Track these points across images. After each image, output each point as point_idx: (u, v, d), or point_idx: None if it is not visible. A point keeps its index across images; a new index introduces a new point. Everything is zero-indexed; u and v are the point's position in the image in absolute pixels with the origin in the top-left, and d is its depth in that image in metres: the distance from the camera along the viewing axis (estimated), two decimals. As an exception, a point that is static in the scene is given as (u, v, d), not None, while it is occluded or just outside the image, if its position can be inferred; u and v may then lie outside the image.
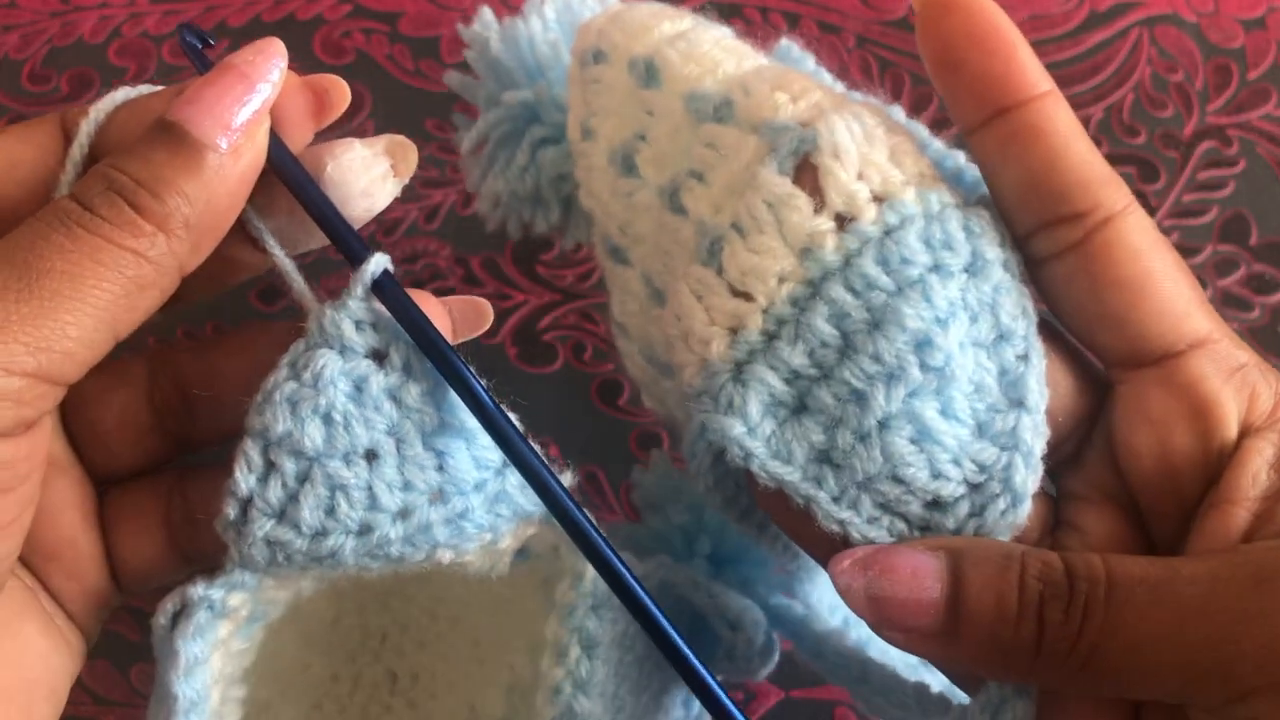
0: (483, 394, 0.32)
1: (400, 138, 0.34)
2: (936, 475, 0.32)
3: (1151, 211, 0.52)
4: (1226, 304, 0.52)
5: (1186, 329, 0.32)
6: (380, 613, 0.45)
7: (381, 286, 0.32)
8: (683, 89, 0.36)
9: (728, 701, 0.33)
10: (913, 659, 0.43)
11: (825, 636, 0.42)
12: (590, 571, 0.36)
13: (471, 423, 0.33)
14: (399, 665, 0.45)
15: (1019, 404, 0.33)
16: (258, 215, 0.33)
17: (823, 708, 0.52)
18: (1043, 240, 0.33)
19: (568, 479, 0.34)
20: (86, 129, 0.33)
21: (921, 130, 0.38)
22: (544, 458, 0.33)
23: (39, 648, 0.34)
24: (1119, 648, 0.30)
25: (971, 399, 0.32)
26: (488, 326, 0.35)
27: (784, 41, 0.43)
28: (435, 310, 0.34)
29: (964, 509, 0.33)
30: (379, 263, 0.32)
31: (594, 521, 0.33)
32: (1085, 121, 0.51)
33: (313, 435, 0.32)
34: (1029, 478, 0.33)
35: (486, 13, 0.45)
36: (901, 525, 0.33)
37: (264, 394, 0.32)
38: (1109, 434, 0.34)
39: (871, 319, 0.32)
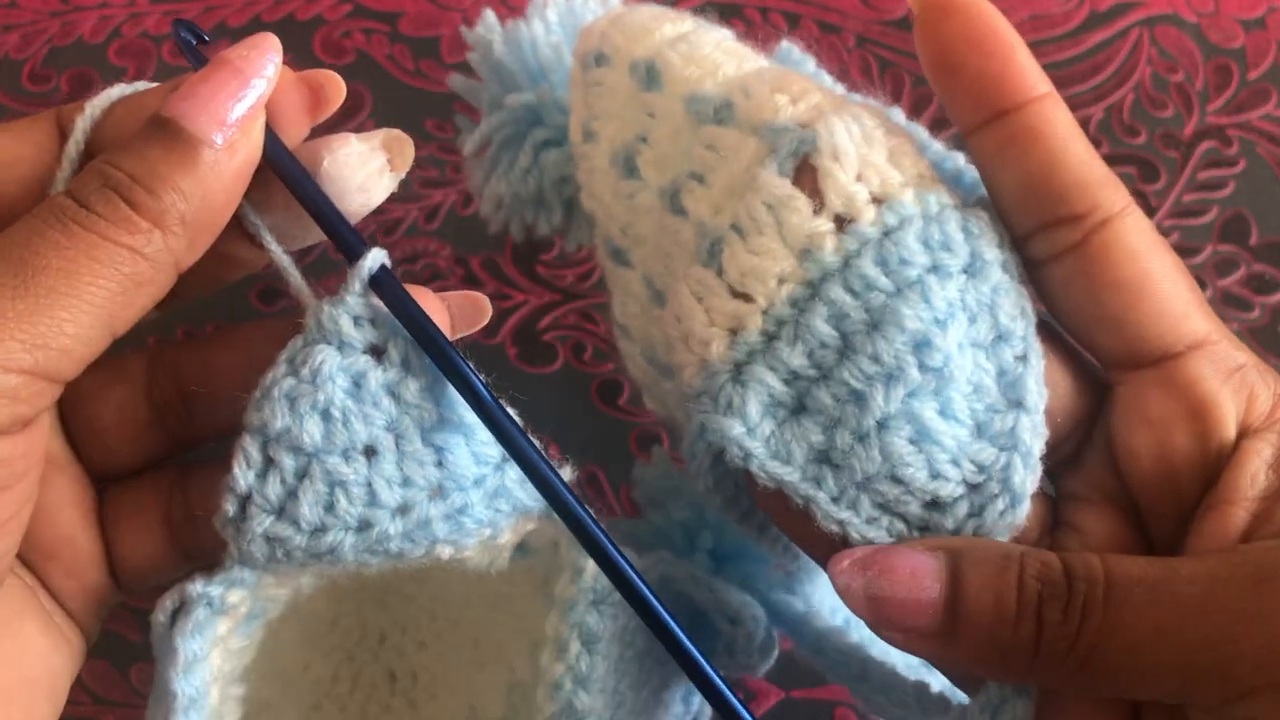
0: (481, 389, 0.32)
1: (397, 132, 0.34)
2: (935, 475, 0.32)
3: (1151, 211, 0.52)
4: (1226, 304, 0.52)
5: (1185, 330, 0.32)
6: (380, 612, 0.45)
7: (379, 281, 0.32)
8: (683, 91, 0.36)
9: (729, 693, 0.33)
10: (913, 659, 0.43)
11: (825, 633, 0.42)
12: (590, 567, 0.36)
13: (470, 418, 0.33)
14: (399, 665, 0.45)
15: (1018, 404, 0.33)
16: (254, 211, 0.33)
17: (823, 708, 0.52)
18: (1041, 242, 0.33)
19: (567, 474, 0.34)
20: (82, 125, 0.33)
21: (921, 132, 0.38)
22: (543, 452, 0.33)
23: (39, 646, 0.34)
24: (1118, 648, 0.30)
25: (970, 399, 0.32)
26: (486, 321, 0.35)
27: (784, 44, 0.43)
28: (433, 305, 0.34)
29: (963, 509, 0.33)
30: (376, 258, 0.32)
31: (594, 515, 0.33)
32: (1085, 121, 0.51)
33: (311, 431, 0.32)
34: (1027, 478, 0.33)
35: (489, 16, 0.46)
36: (900, 525, 0.33)
37: (262, 390, 0.32)
38: (1108, 435, 0.34)
39: (870, 320, 0.32)
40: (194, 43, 0.34)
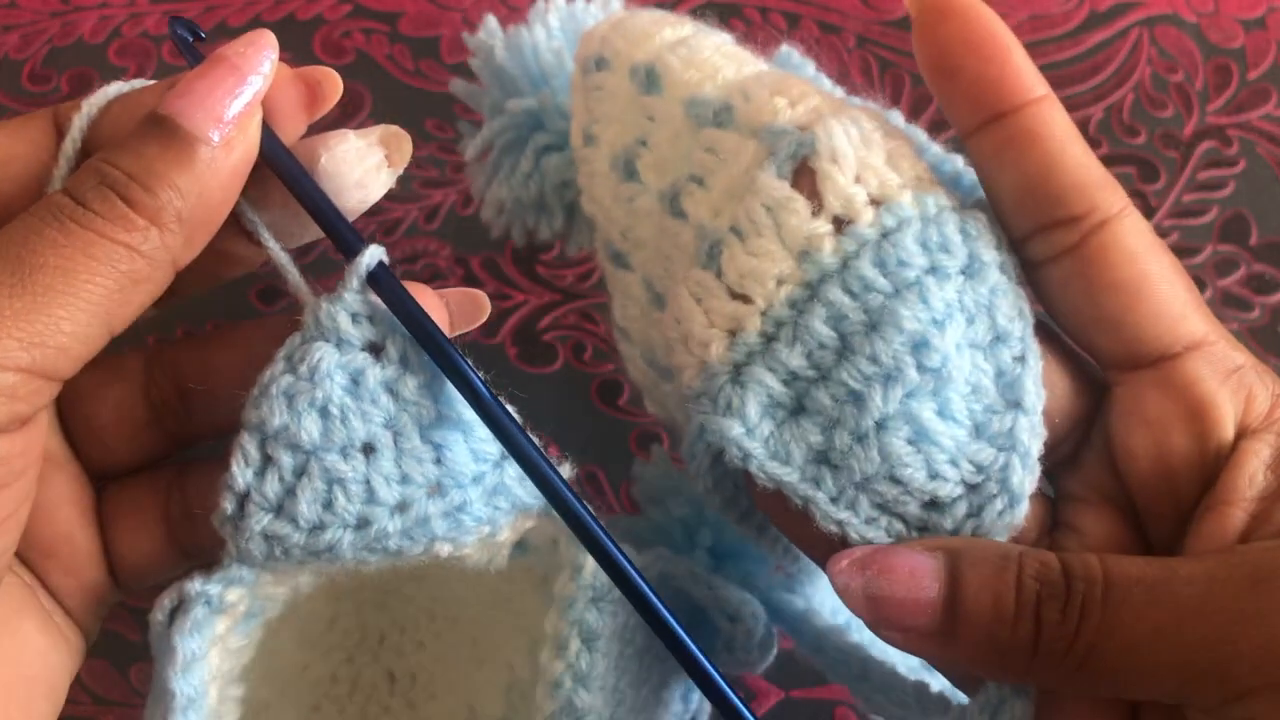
0: (480, 386, 0.32)
1: (394, 128, 0.34)
2: (934, 476, 0.32)
3: (1151, 212, 0.52)
4: (1226, 304, 0.52)
5: (1183, 331, 0.32)
6: (379, 613, 0.45)
7: (377, 279, 0.32)
8: (683, 95, 0.37)
9: (728, 691, 0.33)
10: (913, 659, 0.43)
11: (825, 632, 0.42)
12: (589, 564, 0.36)
13: (469, 415, 0.33)
14: (398, 666, 0.45)
15: (1016, 405, 0.33)
16: (252, 208, 0.33)
17: (823, 707, 0.52)
18: (1039, 244, 0.33)
19: (566, 471, 0.34)
20: (79, 123, 0.33)
21: (919, 135, 0.38)
22: (542, 449, 0.33)
23: (37, 645, 0.34)
24: (1116, 648, 0.30)
25: (968, 400, 0.32)
26: (484, 319, 0.35)
27: (784, 48, 0.43)
28: (432, 302, 0.34)
29: (961, 509, 0.33)
30: (374, 254, 0.32)
31: (592, 512, 0.33)
32: (1085, 121, 0.51)
33: (309, 429, 0.32)
34: (1026, 478, 0.33)
35: (491, 21, 0.46)
36: (899, 526, 0.33)
37: (260, 388, 0.32)
38: (1106, 435, 0.34)
39: (869, 320, 0.32)
40: (190, 40, 0.34)
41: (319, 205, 0.32)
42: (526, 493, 0.35)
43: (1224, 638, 0.29)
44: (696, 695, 0.44)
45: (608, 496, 0.52)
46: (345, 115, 0.51)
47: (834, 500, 0.33)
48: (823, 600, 0.44)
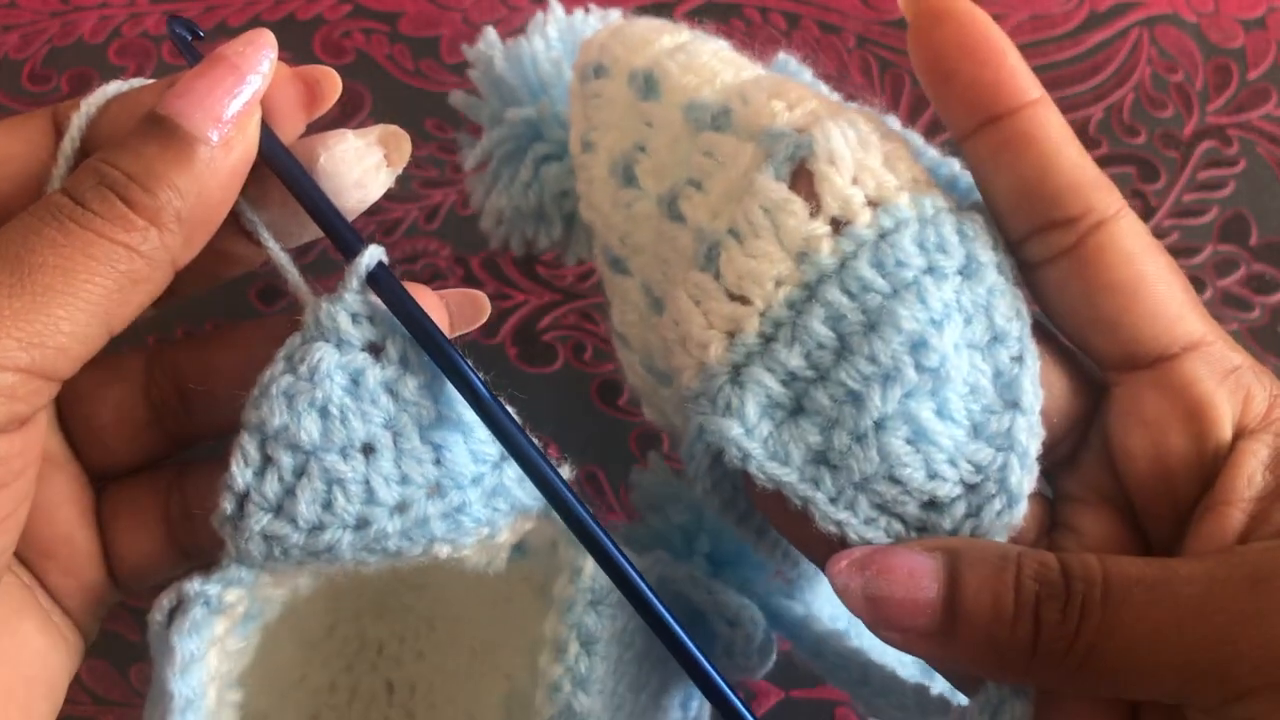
0: (480, 387, 0.32)
1: (393, 128, 0.34)
2: (933, 476, 0.32)
3: (1151, 211, 0.52)
4: (1226, 304, 0.52)
5: (1180, 331, 0.32)
6: (378, 622, 0.45)
7: (377, 279, 0.32)
8: (681, 99, 0.37)
9: (728, 691, 0.33)
10: (908, 659, 0.43)
11: (825, 637, 0.42)
12: (588, 566, 0.36)
13: (469, 416, 0.33)
14: (397, 675, 0.45)
15: (1014, 405, 0.33)
16: (251, 208, 0.33)
17: (823, 707, 0.52)
18: (1036, 245, 0.33)
19: (566, 472, 0.34)
20: (78, 123, 0.33)
21: (916, 139, 0.38)
22: (542, 450, 0.33)
23: (37, 645, 0.34)
24: (1116, 648, 0.30)
25: (967, 400, 0.33)
26: (484, 319, 0.35)
27: (782, 54, 0.43)
28: (431, 303, 0.34)
29: (960, 510, 0.33)
30: (373, 254, 0.32)
31: (593, 513, 0.33)
32: (1085, 121, 0.51)
33: (309, 429, 0.32)
34: (1024, 478, 0.33)
35: (490, 32, 0.46)
36: (898, 526, 0.33)
37: (260, 388, 0.32)
38: (1104, 436, 0.34)
39: (867, 321, 0.32)
40: (189, 39, 0.34)
41: (318, 205, 0.32)
42: (526, 494, 0.35)
43: (1224, 638, 0.29)
44: (696, 702, 0.43)
45: (608, 497, 0.52)
46: (345, 115, 0.51)
47: (833, 500, 0.33)
48: (821, 606, 0.44)
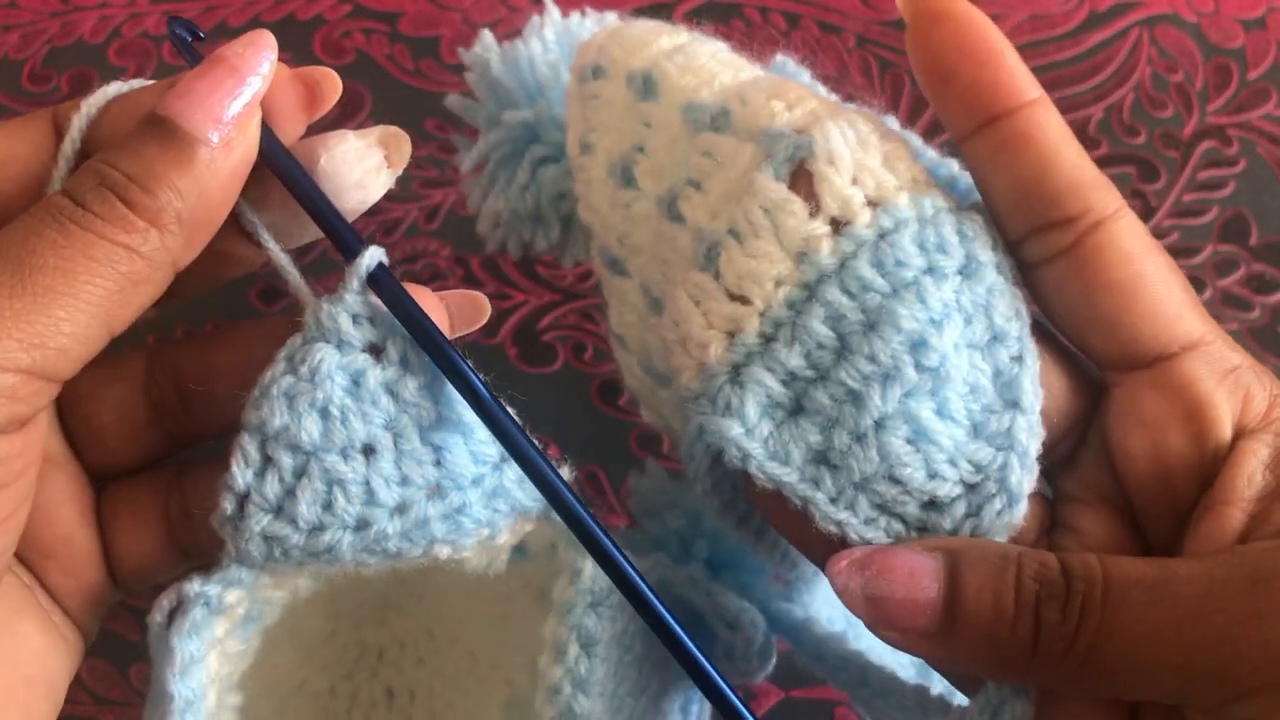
0: (480, 387, 0.32)
1: (393, 129, 0.34)
2: (933, 475, 0.32)
3: (1151, 211, 0.52)
4: (1226, 304, 0.52)
5: (1179, 331, 0.32)
6: (378, 629, 0.45)
7: (377, 279, 0.32)
8: (680, 100, 0.37)
9: (727, 690, 0.33)
10: (908, 660, 0.43)
11: (824, 640, 0.42)
12: (588, 568, 0.36)
13: (469, 417, 0.33)
14: (396, 682, 0.45)
15: (1014, 405, 0.33)
16: (251, 209, 0.33)
17: (823, 707, 0.52)
18: (1035, 245, 0.33)
19: (566, 473, 0.34)
20: (78, 124, 0.33)
21: (914, 140, 0.38)
22: (542, 450, 0.33)
23: (37, 645, 0.34)
24: (1116, 648, 0.30)
25: (966, 400, 0.33)
26: (485, 321, 0.35)
27: (780, 56, 0.43)
28: (432, 304, 0.34)
29: (960, 509, 0.33)
30: (374, 255, 0.32)
31: (593, 514, 0.33)
32: (1085, 121, 0.51)
33: (310, 430, 0.32)
34: (1024, 478, 0.33)
35: (486, 35, 0.46)
36: (898, 526, 0.33)
37: (261, 388, 0.32)
38: (1103, 436, 0.34)
39: (867, 320, 0.32)
40: (189, 40, 0.34)
41: (318, 206, 0.32)
42: (526, 495, 0.35)
43: (1224, 638, 0.29)
44: (695, 706, 0.43)
45: (608, 497, 0.52)
46: (345, 115, 0.51)
47: (833, 500, 0.33)
48: (820, 608, 0.44)
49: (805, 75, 0.43)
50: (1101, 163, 0.33)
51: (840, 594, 0.32)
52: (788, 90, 0.35)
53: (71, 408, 0.35)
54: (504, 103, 0.45)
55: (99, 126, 0.33)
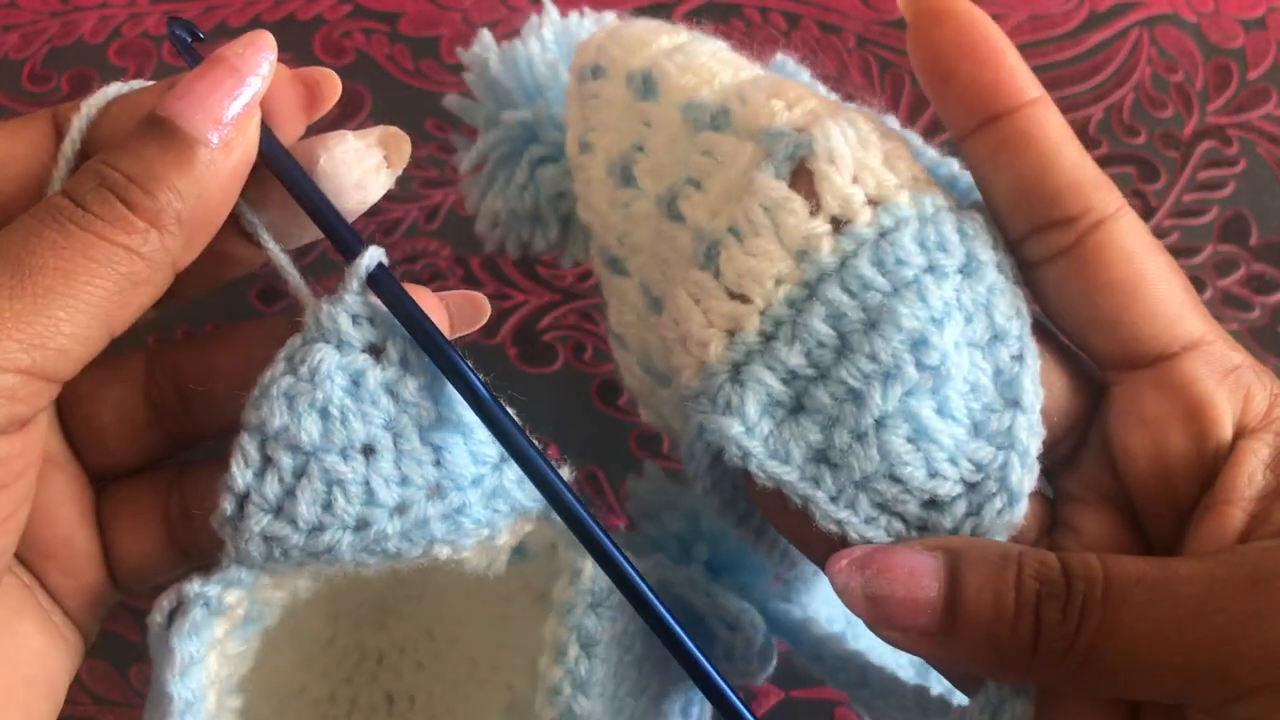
0: (480, 388, 0.32)
1: (393, 129, 0.34)
2: (933, 474, 0.32)
3: (1151, 211, 0.52)
4: (1226, 304, 0.52)
5: (1180, 331, 0.32)
6: (377, 633, 0.45)
7: (377, 280, 0.32)
8: (680, 99, 0.37)
9: (727, 690, 0.33)
10: (907, 660, 0.43)
11: (824, 640, 0.42)
12: (588, 569, 0.36)
13: (469, 417, 0.33)
14: (396, 687, 0.45)
15: (1014, 404, 0.33)
16: (251, 209, 0.33)
17: (823, 707, 0.52)
18: (1035, 244, 0.33)
19: (566, 473, 0.34)
20: (78, 125, 0.33)
21: (915, 139, 0.38)
22: (542, 451, 0.33)
23: (37, 645, 0.34)
24: (1116, 648, 0.30)
25: (967, 398, 0.32)
26: (484, 321, 0.35)
27: (779, 55, 0.43)
28: (431, 304, 0.34)
29: (961, 508, 0.33)
30: (373, 256, 0.32)
31: (593, 514, 0.33)
32: (1085, 121, 0.51)
33: (310, 430, 0.32)
34: (1025, 477, 0.33)
35: (485, 35, 0.46)
36: (899, 525, 0.33)
37: (261, 389, 0.32)
38: (1104, 435, 0.34)
39: (867, 319, 0.32)
40: (189, 40, 0.34)
41: (318, 206, 0.32)
42: (526, 496, 0.35)
43: (1224, 638, 0.29)
44: (696, 708, 0.43)
45: (608, 497, 0.52)
46: (345, 115, 0.51)
47: (833, 499, 0.33)
48: (819, 608, 0.44)
49: (805, 75, 0.43)
50: (1101, 163, 0.33)
51: (840, 593, 0.32)
52: (788, 89, 0.35)
53: (71, 408, 0.35)
54: (503, 102, 0.45)
55: (99, 127, 0.33)
